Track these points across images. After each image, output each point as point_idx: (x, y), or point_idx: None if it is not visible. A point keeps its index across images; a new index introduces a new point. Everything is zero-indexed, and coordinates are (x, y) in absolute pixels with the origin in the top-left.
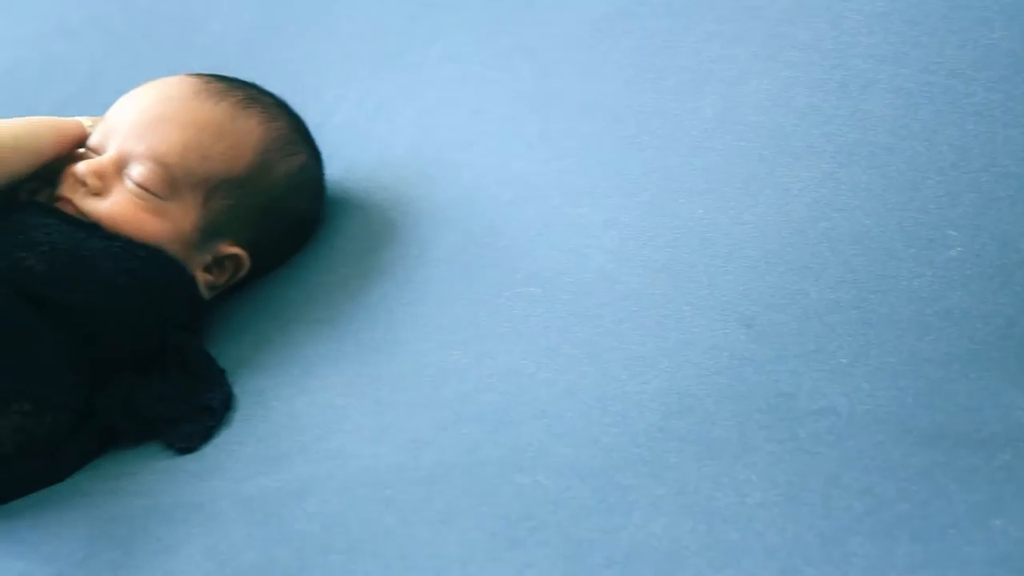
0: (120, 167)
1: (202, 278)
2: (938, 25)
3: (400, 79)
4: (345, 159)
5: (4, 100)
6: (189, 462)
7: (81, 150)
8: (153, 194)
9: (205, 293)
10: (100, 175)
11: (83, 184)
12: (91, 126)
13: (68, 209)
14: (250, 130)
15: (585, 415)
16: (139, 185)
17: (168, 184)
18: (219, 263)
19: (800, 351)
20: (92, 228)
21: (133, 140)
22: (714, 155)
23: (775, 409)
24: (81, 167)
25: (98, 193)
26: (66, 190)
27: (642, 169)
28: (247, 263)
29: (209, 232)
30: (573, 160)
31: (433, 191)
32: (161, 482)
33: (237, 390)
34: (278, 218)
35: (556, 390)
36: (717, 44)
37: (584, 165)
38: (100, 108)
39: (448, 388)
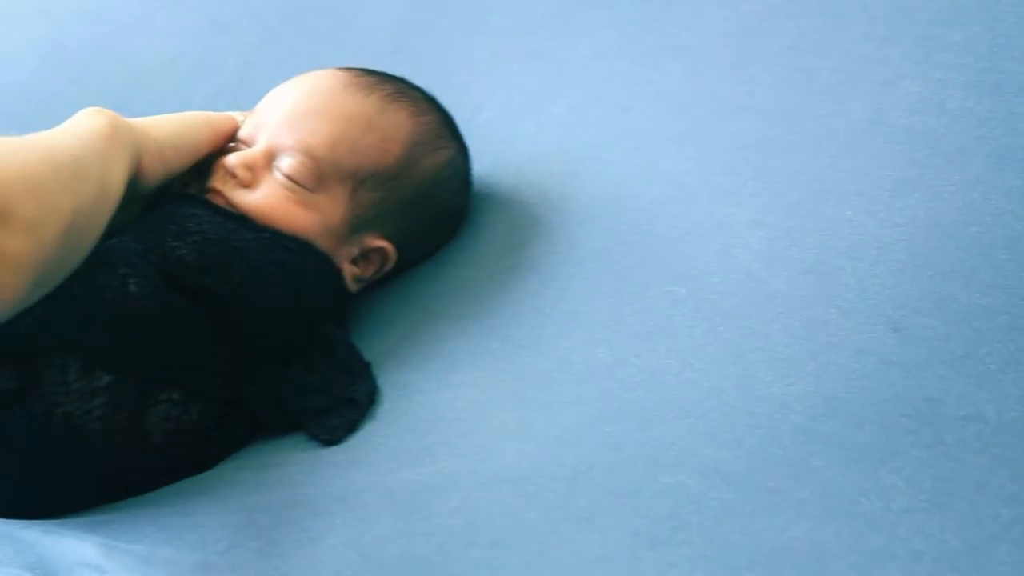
0: (270, 159)
1: (349, 271)
2: None
3: (548, 76)
4: (492, 155)
5: (159, 92)
6: (333, 454)
7: (232, 143)
8: (302, 186)
9: (351, 286)
10: (250, 167)
11: (233, 176)
12: (242, 121)
13: (218, 201)
14: (399, 124)
15: (729, 416)
16: (288, 177)
17: (317, 176)
18: (366, 256)
19: (948, 356)
20: (242, 219)
21: (283, 133)
22: (864, 157)
23: (922, 414)
24: (232, 159)
25: (248, 185)
26: (216, 182)
27: (790, 170)
28: (393, 256)
29: (356, 225)
30: (720, 159)
31: (580, 188)
32: (305, 473)
33: (382, 383)
34: (425, 212)
35: (700, 390)
36: (869, 45)
37: (731, 165)
38: (251, 101)
39: (592, 386)
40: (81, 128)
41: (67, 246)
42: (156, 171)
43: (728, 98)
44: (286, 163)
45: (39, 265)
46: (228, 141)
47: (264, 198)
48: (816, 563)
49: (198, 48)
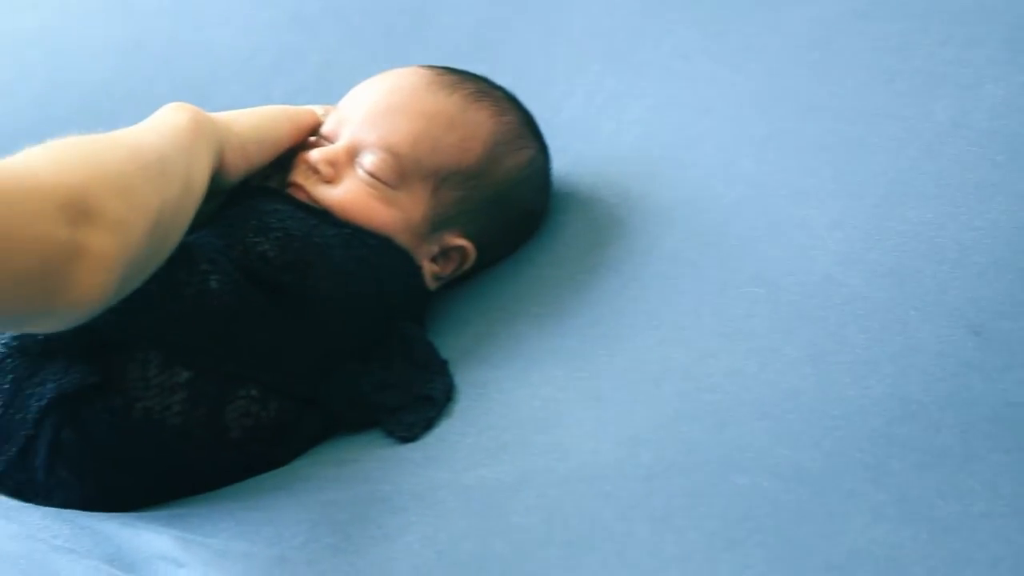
0: (352, 155)
1: (428, 268)
2: None
3: (629, 75)
4: (572, 154)
5: (239, 88)
6: (410, 451)
7: (313, 138)
8: (384, 183)
9: (431, 283)
10: (332, 163)
11: (315, 171)
12: (324, 115)
13: (299, 195)
14: (480, 123)
15: (806, 418)
16: (370, 174)
17: (398, 174)
18: (445, 254)
19: None
20: (323, 215)
21: (365, 129)
22: (945, 160)
23: (1002, 418)
24: (314, 154)
25: (330, 181)
26: (298, 176)
27: (871, 171)
28: (473, 255)
29: (437, 223)
30: (800, 160)
31: (659, 188)
32: (382, 469)
33: (459, 381)
34: (505, 211)
35: (778, 392)
36: (952, 47)
37: (812, 166)
38: (332, 98)
39: (669, 386)
40: (165, 124)
41: (153, 243)
42: (238, 166)
43: (809, 99)
44: (368, 160)
45: (126, 263)
46: (309, 135)
47: (346, 194)
48: (893, 566)
49: (278, 44)
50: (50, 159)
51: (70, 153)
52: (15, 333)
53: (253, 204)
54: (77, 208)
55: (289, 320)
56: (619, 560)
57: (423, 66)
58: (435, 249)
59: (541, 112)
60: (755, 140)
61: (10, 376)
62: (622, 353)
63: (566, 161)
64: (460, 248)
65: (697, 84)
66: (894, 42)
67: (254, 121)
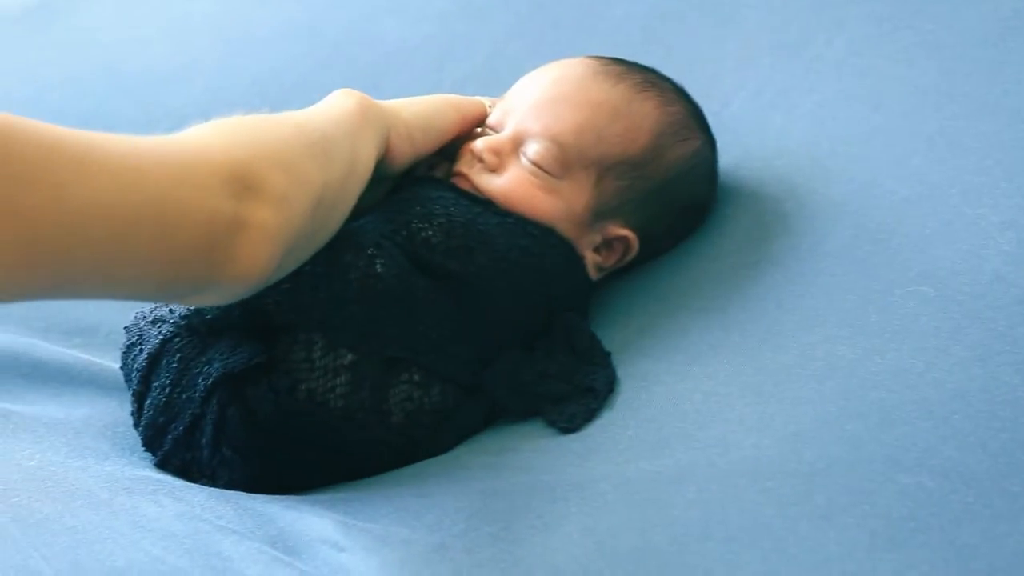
0: (516, 145)
1: (591, 258)
2: None
3: (800, 70)
4: (740, 148)
5: (409, 76)
6: (571, 441)
7: (479, 129)
8: (547, 172)
9: (593, 274)
10: (497, 152)
11: (480, 160)
12: (490, 107)
13: (464, 184)
14: (646, 113)
15: (973, 418)
16: (534, 163)
17: (562, 163)
18: (608, 244)
19: None
20: (487, 203)
21: (530, 119)
22: None
23: None
24: (479, 144)
25: (494, 170)
26: (463, 166)
27: None
28: (636, 245)
29: (600, 213)
30: (973, 159)
31: (828, 184)
32: (542, 459)
33: (621, 373)
34: (669, 202)
35: (944, 391)
36: None
37: (984, 164)
38: (499, 88)
39: (833, 383)
40: (332, 108)
41: (315, 221)
42: (404, 152)
43: (983, 97)
44: (532, 149)
45: (288, 238)
46: (476, 126)
47: (509, 183)
48: None
49: (449, 34)
50: (217, 135)
51: (236, 130)
52: (183, 311)
53: (418, 191)
54: (242, 182)
55: (452, 306)
56: (779, 557)
57: (590, 56)
58: (598, 239)
59: (709, 105)
60: (926, 137)
61: (178, 355)
62: (786, 349)
63: (734, 155)
64: (623, 238)
65: (868, 80)
66: None
67: (421, 110)
